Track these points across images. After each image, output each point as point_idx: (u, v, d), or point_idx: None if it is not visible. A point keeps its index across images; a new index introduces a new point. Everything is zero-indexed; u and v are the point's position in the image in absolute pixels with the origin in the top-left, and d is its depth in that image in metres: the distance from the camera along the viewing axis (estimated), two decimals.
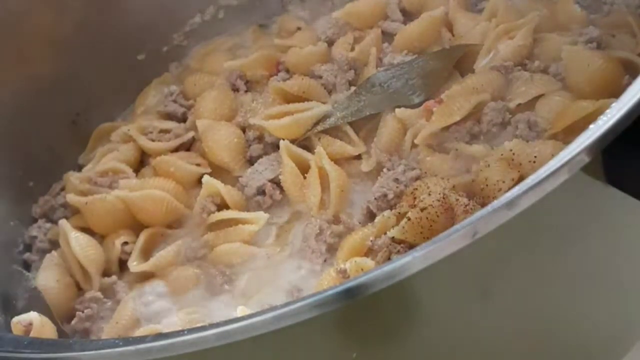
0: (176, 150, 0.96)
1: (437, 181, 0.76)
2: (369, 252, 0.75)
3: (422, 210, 0.72)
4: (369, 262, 0.72)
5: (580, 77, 0.80)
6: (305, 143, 0.89)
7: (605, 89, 0.77)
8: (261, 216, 0.85)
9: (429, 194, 0.74)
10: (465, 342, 0.61)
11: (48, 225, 0.94)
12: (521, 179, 0.71)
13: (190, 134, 0.97)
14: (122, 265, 0.88)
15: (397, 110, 0.86)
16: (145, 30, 1.10)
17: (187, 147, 0.98)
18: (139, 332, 0.78)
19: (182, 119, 1.01)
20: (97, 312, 0.83)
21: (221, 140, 0.91)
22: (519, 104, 0.81)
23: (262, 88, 0.98)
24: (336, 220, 0.82)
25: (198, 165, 0.92)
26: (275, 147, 0.90)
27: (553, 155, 0.53)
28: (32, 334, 0.75)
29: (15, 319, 0.76)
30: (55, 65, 1.02)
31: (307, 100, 0.92)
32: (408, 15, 1.01)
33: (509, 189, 0.58)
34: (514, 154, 0.74)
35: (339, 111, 0.89)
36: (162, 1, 1.11)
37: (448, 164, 0.80)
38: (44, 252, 0.91)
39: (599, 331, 0.71)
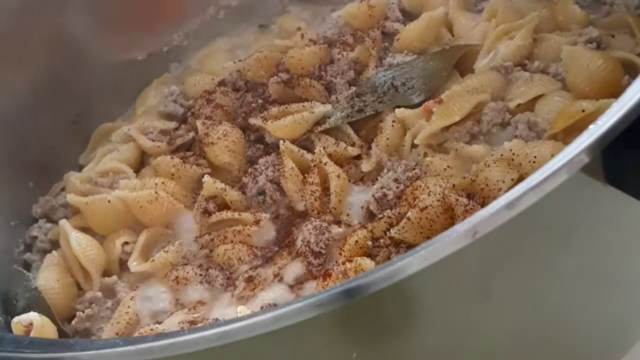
0: (176, 150, 0.97)
1: (437, 181, 0.76)
2: (369, 252, 0.75)
3: (422, 210, 0.73)
4: (369, 262, 0.72)
5: (580, 77, 0.80)
6: (305, 143, 0.89)
7: (605, 89, 0.77)
8: (261, 216, 0.85)
9: (429, 194, 0.74)
10: (465, 341, 0.61)
11: (48, 225, 0.95)
12: (521, 179, 0.71)
13: (191, 135, 0.97)
14: (123, 265, 0.88)
15: (397, 110, 0.86)
16: (146, 31, 1.10)
17: (188, 147, 0.98)
18: (139, 332, 0.78)
19: (183, 120, 1.01)
20: (98, 312, 0.84)
21: (221, 140, 0.91)
22: (519, 104, 0.81)
23: (262, 88, 0.98)
24: (336, 220, 0.82)
25: (198, 165, 0.93)
26: (276, 147, 0.90)
27: (553, 156, 0.53)
28: (33, 334, 0.75)
29: (16, 319, 0.76)
30: (55, 65, 1.02)
31: (307, 100, 0.92)
32: (408, 16, 1.01)
33: (509, 189, 0.58)
34: (514, 154, 0.75)
35: (339, 111, 0.89)
36: (163, 2, 1.11)
37: (448, 164, 0.80)
38: (44, 252, 0.91)
39: (598, 331, 0.71)
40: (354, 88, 0.93)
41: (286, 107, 0.91)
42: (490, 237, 0.51)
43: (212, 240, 0.85)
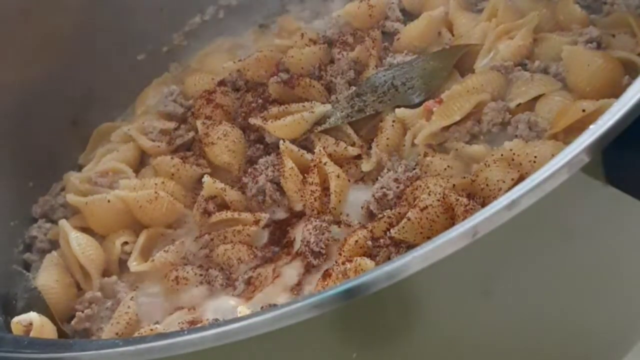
0: (176, 150, 0.97)
1: (437, 181, 0.76)
2: (369, 252, 0.75)
3: (422, 210, 0.73)
4: (369, 262, 0.72)
5: (580, 77, 0.80)
6: (305, 143, 0.89)
7: (605, 89, 0.77)
8: (261, 216, 0.85)
9: (429, 194, 0.74)
10: (465, 341, 0.61)
11: (48, 225, 0.95)
12: (521, 179, 0.71)
13: (191, 135, 0.97)
14: (122, 265, 0.88)
15: (397, 110, 0.86)
16: (145, 30, 1.10)
17: (187, 147, 0.98)
18: (139, 332, 0.78)
19: (182, 119, 1.01)
20: (97, 312, 0.84)
21: (221, 140, 0.91)
22: (519, 104, 0.81)
23: (262, 88, 0.98)
24: (336, 220, 0.82)
25: (198, 165, 0.93)
26: (276, 147, 0.90)
27: (553, 155, 0.53)
28: (32, 334, 0.74)
29: (16, 319, 0.76)
30: (55, 66, 1.02)
31: (307, 100, 0.92)
32: (408, 15, 1.01)
33: (509, 189, 0.58)
34: (514, 154, 0.75)
35: (339, 111, 0.89)
36: (162, 1, 1.11)
37: (448, 163, 0.80)
38: (44, 252, 0.91)
39: (598, 331, 0.71)
40: (354, 88, 0.93)
41: (286, 107, 0.91)
42: (490, 237, 0.51)
43: (212, 240, 0.85)
